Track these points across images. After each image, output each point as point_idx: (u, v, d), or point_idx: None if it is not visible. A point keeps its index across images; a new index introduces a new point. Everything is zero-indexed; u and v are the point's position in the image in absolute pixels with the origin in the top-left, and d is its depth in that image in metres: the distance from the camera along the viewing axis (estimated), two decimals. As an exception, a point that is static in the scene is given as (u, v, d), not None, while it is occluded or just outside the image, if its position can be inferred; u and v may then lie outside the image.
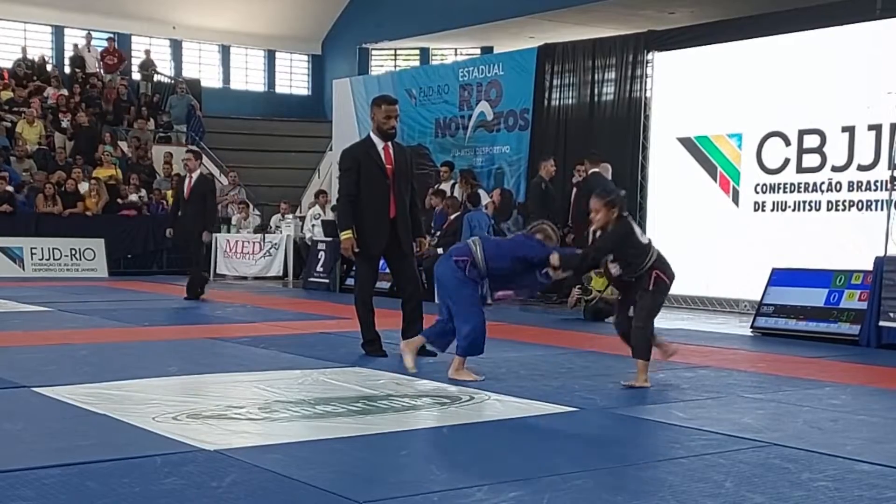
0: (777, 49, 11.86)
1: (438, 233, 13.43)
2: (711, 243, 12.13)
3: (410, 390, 6.03)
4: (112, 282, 15.83)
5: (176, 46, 26.65)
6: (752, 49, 12.08)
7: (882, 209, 10.39)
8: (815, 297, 9.47)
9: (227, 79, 27.65)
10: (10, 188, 17.14)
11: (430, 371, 6.67)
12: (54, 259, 16.93)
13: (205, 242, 12.21)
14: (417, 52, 26.32)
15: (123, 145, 20.66)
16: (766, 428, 5.02)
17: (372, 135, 7.55)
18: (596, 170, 12.70)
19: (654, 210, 12.96)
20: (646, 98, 13.57)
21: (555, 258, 6.22)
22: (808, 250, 10.87)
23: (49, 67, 22.87)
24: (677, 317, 10.95)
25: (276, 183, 22.03)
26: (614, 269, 6.28)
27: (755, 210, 12.01)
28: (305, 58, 28.61)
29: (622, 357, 6.41)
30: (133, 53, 25.37)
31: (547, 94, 15.34)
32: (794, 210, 11.62)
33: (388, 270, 8.16)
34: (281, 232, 17.71)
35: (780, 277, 9.96)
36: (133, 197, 18.42)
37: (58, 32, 24.98)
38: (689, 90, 12.86)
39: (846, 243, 10.81)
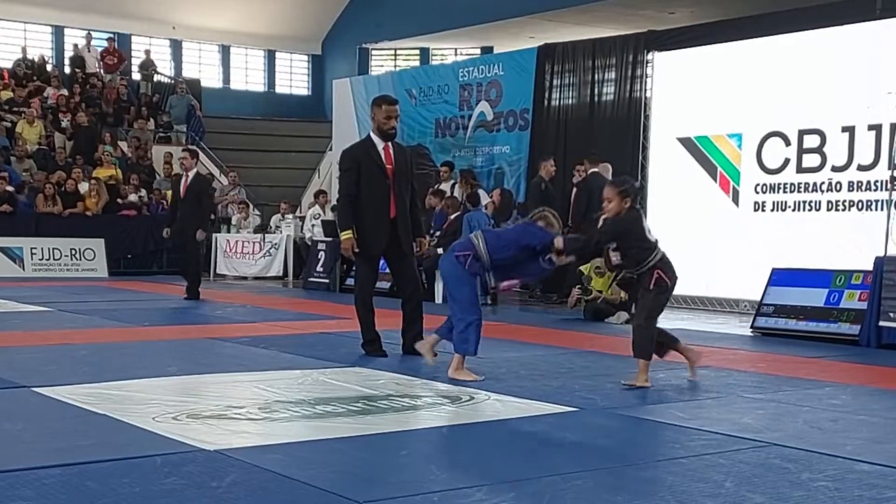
0: (777, 49, 11.86)
1: (438, 233, 13.43)
2: (711, 243, 12.13)
3: (410, 390, 6.03)
4: (112, 282, 15.83)
5: (176, 46, 26.65)
6: (752, 49, 12.09)
7: (882, 209, 10.39)
8: (815, 297, 9.47)
9: (227, 79, 27.66)
10: (10, 188, 17.14)
11: (430, 371, 6.67)
12: (54, 259, 16.93)
13: (199, 241, 12.18)
14: (417, 52, 26.32)
15: (123, 145, 20.67)
16: (766, 428, 5.02)
17: (372, 135, 7.55)
18: (595, 170, 12.72)
19: (654, 210, 12.95)
20: (646, 98, 13.57)
21: (558, 241, 6.26)
22: (808, 250, 10.87)
23: (49, 67, 22.88)
24: (677, 317, 10.94)
25: (276, 183, 22.03)
26: (615, 257, 6.29)
27: (755, 210, 12.01)
28: (305, 58, 28.62)
29: (622, 357, 6.41)
30: (133, 53, 25.39)
31: (547, 94, 15.34)
32: (794, 210, 11.62)
33: (388, 270, 8.17)
34: (281, 232, 17.71)
35: (780, 277, 9.96)
36: (133, 197, 18.42)
37: (58, 32, 24.99)
38: (689, 90, 12.86)
39: (846, 243, 10.81)
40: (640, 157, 13.31)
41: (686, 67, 13.00)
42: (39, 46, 24.40)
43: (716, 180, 12.43)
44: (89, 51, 23.36)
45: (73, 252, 17.08)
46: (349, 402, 5.48)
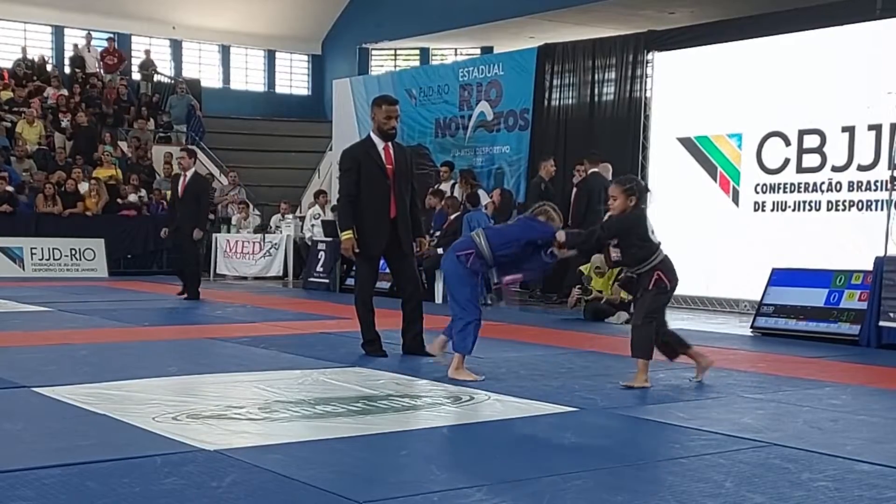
0: (777, 49, 11.86)
1: (438, 233, 13.43)
2: (711, 243, 12.13)
3: (410, 390, 6.03)
4: (112, 282, 15.83)
5: (176, 46, 26.66)
6: (752, 49, 12.09)
7: (882, 209, 10.40)
8: (815, 297, 9.47)
9: (227, 79, 27.66)
10: (10, 188, 17.14)
11: (430, 371, 6.67)
12: (54, 259, 16.93)
13: (196, 240, 12.15)
14: (417, 52, 26.32)
15: (123, 145, 20.67)
16: (766, 428, 5.02)
17: (372, 135, 7.55)
18: (595, 170, 12.72)
19: (654, 210, 12.94)
20: (646, 98, 13.58)
21: (560, 235, 6.29)
22: (808, 250, 10.87)
23: (49, 67, 22.88)
24: (677, 317, 10.94)
25: (276, 183, 22.03)
26: (614, 253, 6.31)
27: (755, 210, 12.01)
28: (305, 58, 28.62)
29: (622, 357, 6.41)
30: (133, 53, 25.39)
31: (547, 94, 15.35)
32: (794, 210, 11.62)
33: (388, 270, 8.17)
34: (281, 232, 17.71)
35: (780, 277, 9.96)
36: (133, 197, 18.42)
37: (58, 32, 25.00)
38: (689, 90, 12.86)
39: (846, 243, 10.81)
40: (640, 157, 13.31)
41: (686, 67, 13.00)
42: (39, 46, 24.41)
43: (716, 180, 12.43)
44: (89, 51, 23.36)
45: (73, 252, 17.08)
46: (349, 402, 5.48)
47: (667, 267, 6.22)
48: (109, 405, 5.19)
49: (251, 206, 18.89)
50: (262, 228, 18.24)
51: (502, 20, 21.53)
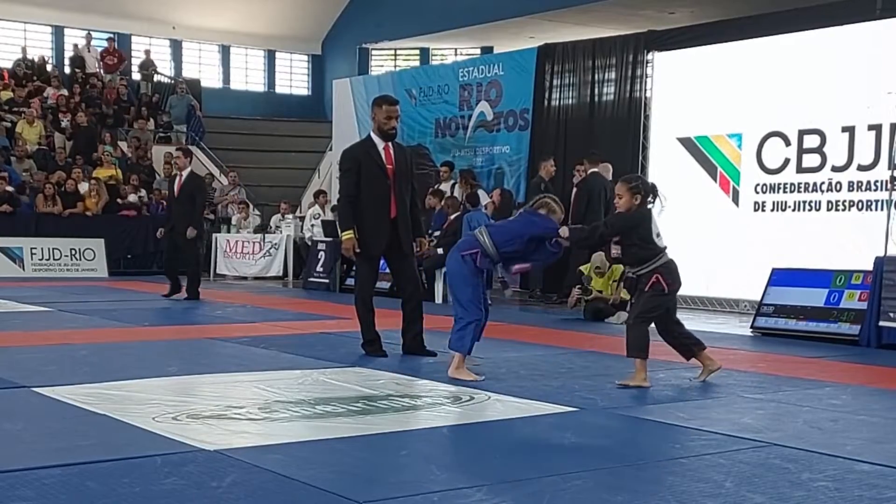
0: (777, 49, 11.86)
1: (437, 233, 13.42)
2: (711, 243, 12.13)
3: (410, 390, 6.03)
4: (112, 282, 15.83)
5: (176, 46, 26.66)
6: (752, 49, 12.09)
7: (882, 209, 10.39)
8: (815, 297, 9.47)
9: (227, 79, 27.66)
10: (10, 188, 17.14)
11: (430, 371, 6.68)
12: (54, 259, 16.93)
13: (190, 238, 12.11)
14: (417, 52, 26.33)
15: (123, 145, 20.67)
16: (766, 428, 5.02)
17: (372, 135, 7.55)
18: (595, 170, 12.73)
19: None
20: (646, 98, 13.58)
21: (564, 231, 6.32)
22: (808, 250, 10.87)
23: (49, 67, 22.88)
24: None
25: (276, 183, 22.03)
26: (615, 250, 6.35)
27: (755, 210, 12.01)
28: (305, 58, 28.62)
29: (622, 357, 6.41)
30: (133, 53, 25.39)
31: (547, 94, 15.35)
32: (794, 210, 11.62)
33: (388, 270, 8.17)
34: (281, 232, 17.71)
35: (780, 277, 9.96)
36: (133, 197, 18.42)
37: (58, 32, 25.00)
38: (689, 90, 12.86)
39: (846, 243, 10.81)
40: (640, 157, 13.31)
41: (686, 67, 13.00)
42: (39, 46, 24.41)
43: (716, 180, 12.43)
44: (89, 51, 23.36)
45: (73, 252, 17.08)
46: (349, 402, 5.48)
47: (667, 270, 6.22)
48: (109, 405, 5.19)
49: (251, 206, 18.89)
50: (262, 228, 18.24)
51: (502, 20, 21.53)
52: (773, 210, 11.82)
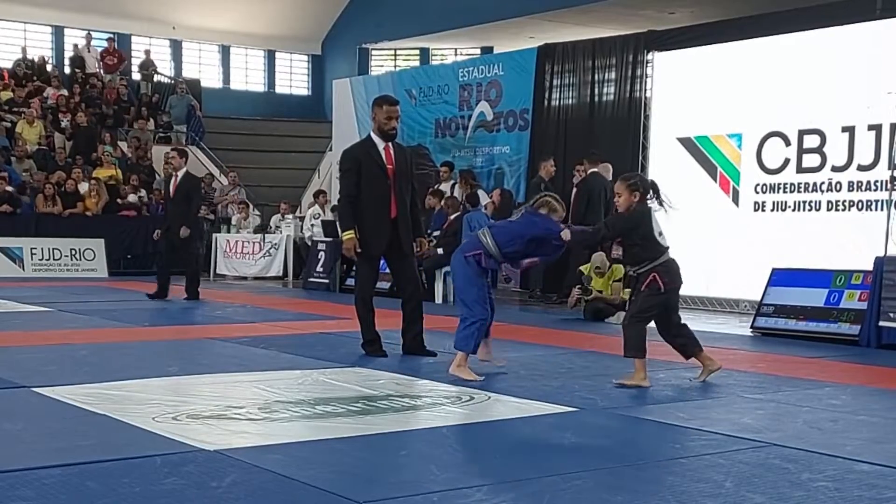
0: (777, 49, 11.86)
1: (437, 233, 13.42)
2: (711, 243, 12.13)
3: (410, 390, 6.03)
4: (112, 282, 15.83)
5: (176, 46, 26.65)
6: (752, 49, 12.09)
7: (882, 209, 10.39)
8: (815, 297, 9.47)
9: (227, 79, 27.66)
10: (10, 188, 17.14)
11: (430, 371, 6.68)
12: (54, 259, 16.93)
13: (183, 238, 12.08)
14: (417, 52, 26.32)
15: (123, 145, 20.67)
16: (766, 428, 5.02)
17: (373, 135, 7.55)
18: (595, 170, 12.73)
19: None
20: (646, 98, 13.58)
21: (566, 234, 6.34)
22: (808, 250, 10.87)
23: (49, 67, 22.88)
24: (682, 319, 10.93)
25: (276, 183, 22.03)
26: (616, 250, 6.38)
27: (755, 210, 12.01)
28: (305, 58, 28.62)
29: (622, 357, 6.41)
30: (133, 53, 25.38)
31: (547, 94, 15.35)
32: (794, 210, 11.62)
33: (388, 270, 8.17)
34: (281, 232, 17.71)
35: (780, 277, 9.96)
36: (133, 197, 18.42)
37: (58, 32, 24.99)
38: (689, 90, 12.86)
39: (846, 243, 10.80)
40: (640, 157, 13.31)
41: (686, 67, 13.00)
42: (39, 46, 24.41)
43: (716, 180, 12.43)
44: (89, 51, 23.35)
45: (73, 252, 17.08)
46: (349, 402, 5.48)
47: (666, 269, 6.23)
48: (109, 405, 5.19)
49: (251, 206, 18.89)
50: (262, 228, 18.24)
51: (502, 20, 21.53)
52: (773, 210, 11.82)
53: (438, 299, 12.81)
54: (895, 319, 8.68)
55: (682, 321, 6.52)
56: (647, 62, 13.64)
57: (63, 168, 18.34)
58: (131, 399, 5.42)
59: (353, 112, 18.92)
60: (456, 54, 25.50)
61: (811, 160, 11.49)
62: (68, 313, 10.39)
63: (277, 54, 28.33)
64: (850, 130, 11.10)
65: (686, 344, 6.46)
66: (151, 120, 22.12)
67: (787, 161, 11.72)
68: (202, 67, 27.06)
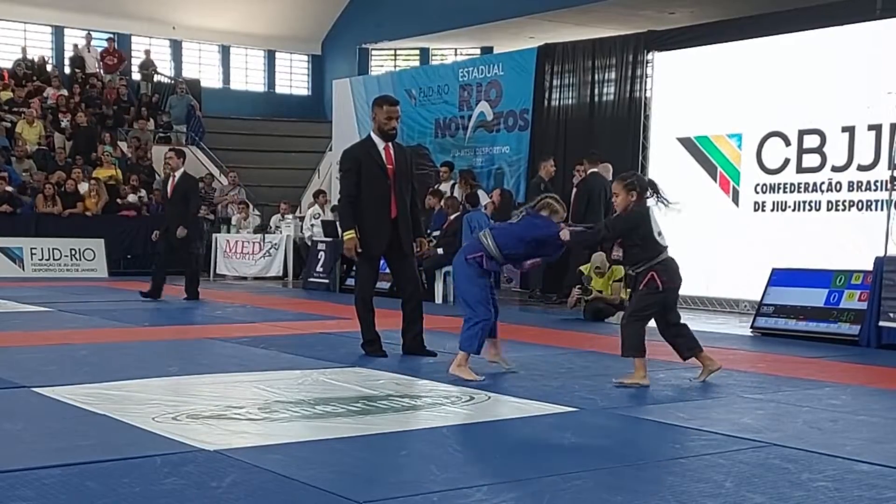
0: (777, 49, 11.86)
1: (437, 233, 13.43)
2: (711, 243, 12.13)
3: (410, 390, 6.03)
4: (112, 282, 15.83)
5: (176, 46, 26.65)
6: (752, 49, 12.08)
7: (882, 209, 10.39)
8: (815, 297, 9.47)
9: (227, 79, 27.65)
10: (10, 188, 17.14)
11: (430, 371, 6.68)
12: (54, 259, 16.93)
13: (180, 237, 12.06)
14: (417, 52, 26.32)
15: (123, 145, 20.67)
16: (766, 428, 5.02)
17: (373, 135, 7.55)
18: (595, 170, 12.72)
19: (653, 210, 12.95)
20: (646, 98, 13.58)
21: (564, 234, 6.35)
22: (808, 250, 10.87)
23: (49, 67, 22.87)
24: (682, 319, 10.93)
25: (276, 183, 22.03)
26: (615, 251, 6.39)
27: (755, 210, 12.01)
28: (305, 58, 28.62)
29: (622, 357, 6.41)
30: (133, 53, 25.38)
31: (547, 94, 15.35)
32: (794, 210, 11.62)
33: (388, 270, 8.17)
34: (281, 232, 17.71)
35: (780, 277, 9.96)
36: (132, 197, 18.42)
37: (58, 32, 24.99)
38: (689, 90, 12.86)
39: (846, 243, 10.80)
40: (640, 157, 13.30)
41: (686, 67, 13.00)
42: (39, 46, 24.40)
43: (716, 180, 12.43)
44: (89, 51, 23.35)
45: (73, 252, 17.08)
46: (349, 402, 5.48)
47: (663, 268, 6.23)
48: (109, 405, 5.19)
49: (251, 206, 18.89)
50: (262, 228, 18.24)
51: (502, 20, 21.53)
52: (773, 210, 11.82)
53: (438, 299, 12.81)
54: (895, 319, 8.68)
55: (683, 321, 6.52)
56: (647, 62, 13.64)
57: (63, 168, 18.34)
58: (131, 399, 5.42)
59: (353, 112, 18.92)
60: (456, 54, 25.50)
61: (811, 160, 11.49)
62: (68, 313, 10.39)
63: (277, 54, 28.33)
64: (850, 130, 11.10)
65: (685, 344, 6.46)
66: (151, 120, 22.12)
67: (787, 161, 11.72)
68: (202, 67, 27.05)
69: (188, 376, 6.37)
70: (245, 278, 17.29)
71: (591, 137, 14.28)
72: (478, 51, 24.49)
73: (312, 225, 17.15)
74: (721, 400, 5.89)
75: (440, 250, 12.77)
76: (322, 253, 15.17)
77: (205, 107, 23.72)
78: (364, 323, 7.50)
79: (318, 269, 15.19)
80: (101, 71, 23.07)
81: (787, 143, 11.70)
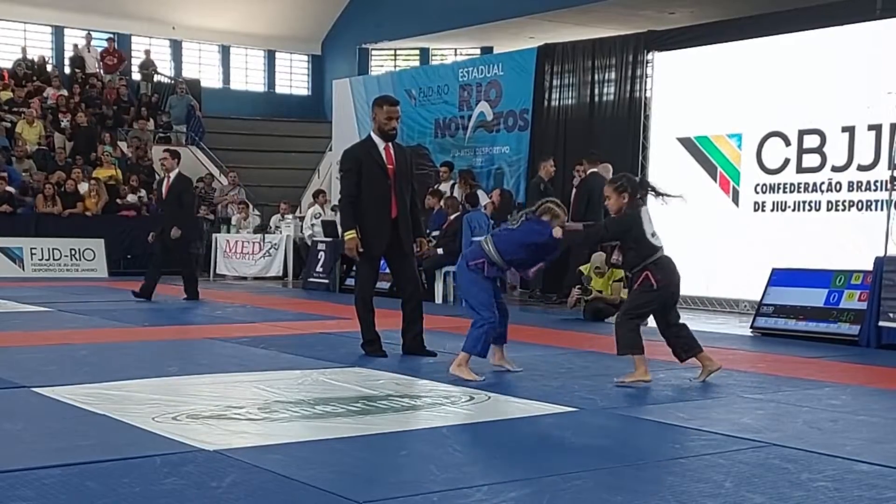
0: (777, 49, 11.86)
1: (437, 233, 13.43)
2: (711, 243, 12.13)
3: (410, 390, 6.03)
4: (112, 282, 15.82)
5: (176, 46, 26.65)
6: (752, 49, 12.08)
7: (882, 209, 10.39)
8: (815, 297, 9.47)
9: (227, 79, 27.65)
10: (10, 188, 17.14)
11: (430, 371, 6.68)
12: (54, 259, 16.93)
13: (174, 238, 12.05)
14: (417, 52, 26.33)
15: (123, 145, 20.67)
16: (766, 428, 5.02)
17: (373, 135, 7.55)
18: (595, 170, 12.72)
19: (654, 210, 12.94)
20: (646, 98, 13.57)
21: (557, 232, 6.35)
22: (808, 250, 10.86)
23: (49, 67, 22.88)
24: (681, 320, 10.93)
25: (276, 183, 22.03)
26: (615, 255, 6.40)
27: (755, 210, 12.01)
28: (305, 58, 28.62)
29: (621, 357, 6.41)
30: (133, 53, 25.38)
31: (547, 95, 15.35)
32: (794, 210, 11.62)
33: (388, 270, 8.17)
34: (281, 232, 17.71)
35: (780, 277, 9.96)
36: (132, 197, 18.41)
37: (58, 32, 24.99)
38: (689, 90, 12.86)
39: (846, 243, 10.80)
40: (640, 157, 13.30)
41: (686, 67, 13.00)
42: (39, 46, 24.40)
43: (716, 180, 12.43)
44: (89, 51, 23.36)
45: (73, 252, 17.08)
46: (349, 402, 5.48)
47: (658, 267, 6.24)
48: (109, 405, 5.19)
49: (251, 207, 18.89)
50: (262, 228, 18.24)
51: (502, 20, 21.53)
52: (773, 210, 11.82)
53: (438, 299, 12.81)
54: (895, 319, 8.68)
55: (682, 322, 6.52)
56: (646, 62, 13.64)
57: (63, 168, 18.34)
58: (131, 399, 5.42)
59: (353, 112, 18.91)
60: (456, 54, 25.50)
61: (811, 160, 11.48)
62: (68, 313, 10.39)
63: (277, 54, 28.33)
64: (850, 130, 11.10)
65: (683, 346, 6.45)
66: (151, 120, 22.12)
67: (787, 161, 11.72)
68: (202, 67, 27.05)
69: (188, 376, 6.37)
70: (245, 278, 17.29)
71: (590, 137, 14.27)
72: (478, 51, 24.49)
73: (312, 225, 17.15)
74: (721, 400, 5.89)
75: (440, 250, 12.78)
76: (322, 253, 15.17)
77: (205, 107, 23.72)
78: (364, 323, 7.50)
79: (318, 269, 15.19)
80: (101, 71, 23.07)
81: (787, 143, 11.70)
